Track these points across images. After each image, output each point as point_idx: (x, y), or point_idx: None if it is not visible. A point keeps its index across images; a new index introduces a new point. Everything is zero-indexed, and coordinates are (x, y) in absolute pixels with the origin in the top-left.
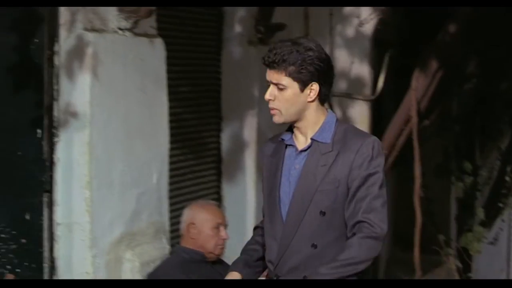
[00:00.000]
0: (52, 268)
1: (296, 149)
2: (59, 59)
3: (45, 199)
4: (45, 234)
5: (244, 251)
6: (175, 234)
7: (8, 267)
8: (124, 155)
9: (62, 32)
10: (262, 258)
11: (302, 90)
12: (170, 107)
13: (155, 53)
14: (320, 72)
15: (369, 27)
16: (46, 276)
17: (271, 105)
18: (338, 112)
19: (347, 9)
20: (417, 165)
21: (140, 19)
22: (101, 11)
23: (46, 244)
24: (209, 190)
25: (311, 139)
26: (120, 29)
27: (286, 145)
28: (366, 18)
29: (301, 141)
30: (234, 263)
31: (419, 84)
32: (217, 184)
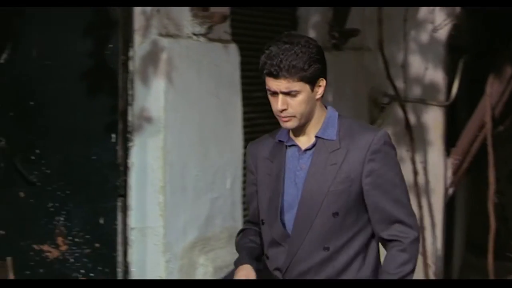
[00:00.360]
0: (126, 272)
1: (299, 148)
2: (134, 65)
3: (119, 204)
4: (119, 239)
5: (243, 248)
6: None
7: (82, 271)
8: (198, 160)
9: (137, 38)
10: (259, 258)
11: (312, 89)
12: (244, 112)
13: (229, 59)
14: (323, 65)
15: (443, 33)
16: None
17: (284, 114)
18: (412, 118)
19: (421, 15)
20: (491, 171)
21: (214, 24)
22: (176, 17)
23: (120, 248)
24: None
25: (316, 136)
26: (195, 34)
27: (286, 146)
28: (440, 24)
29: (303, 140)
30: (240, 258)
31: (494, 90)
32: None
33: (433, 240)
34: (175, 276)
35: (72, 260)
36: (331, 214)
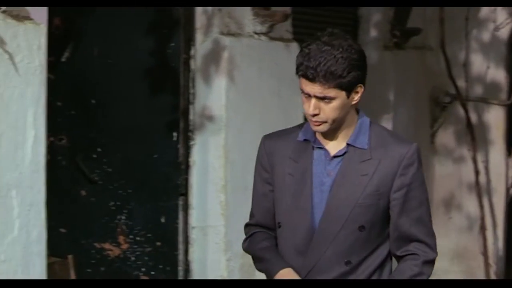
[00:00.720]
0: (187, 271)
1: (327, 153)
2: (195, 63)
3: (180, 203)
4: (180, 238)
5: (268, 251)
6: None
7: (143, 269)
8: None
9: (198, 36)
10: None
11: (348, 96)
12: None
13: (290, 57)
14: (363, 71)
15: (505, 32)
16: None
17: (315, 118)
18: (474, 117)
19: (483, 14)
20: None
21: (276, 23)
22: (237, 16)
23: (181, 247)
24: None
25: (347, 144)
26: (256, 33)
27: (313, 147)
28: (502, 23)
29: (333, 144)
30: (273, 263)
31: None
32: None
33: (495, 240)
34: (236, 275)
35: (133, 258)
36: (357, 227)
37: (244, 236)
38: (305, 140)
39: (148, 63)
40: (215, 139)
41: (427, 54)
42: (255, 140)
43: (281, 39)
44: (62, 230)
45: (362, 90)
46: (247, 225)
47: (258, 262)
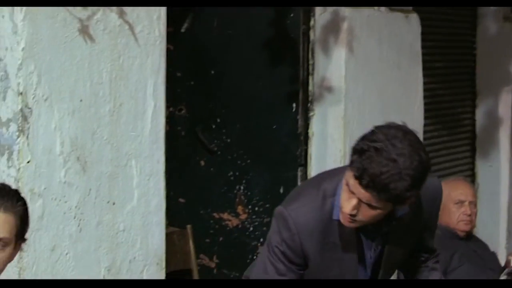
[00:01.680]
0: None
1: (373, 230)
2: (315, 34)
3: (299, 174)
4: None
5: None
6: None
7: (261, 240)
8: None
9: (317, 7)
10: None
11: (394, 206)
12: (425, 83)
13: (410, 29)
14: (419, 189)
15: None
16: None
17: (351, 218)
18: None
19: None
20: None
21: None
22: None
23: None
24: (463, 166)
25: (398, 217)
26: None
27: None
28: None
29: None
30: None
31: None
32: (471, 161)
33: None
34: None
35: (251, 228)
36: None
37: None
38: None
39: (267, 34)
40: (334, 110)
41: None
42: (374, 111)
43: (401, 10)
44: (181, 200)
45: (412, 200)
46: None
47: None
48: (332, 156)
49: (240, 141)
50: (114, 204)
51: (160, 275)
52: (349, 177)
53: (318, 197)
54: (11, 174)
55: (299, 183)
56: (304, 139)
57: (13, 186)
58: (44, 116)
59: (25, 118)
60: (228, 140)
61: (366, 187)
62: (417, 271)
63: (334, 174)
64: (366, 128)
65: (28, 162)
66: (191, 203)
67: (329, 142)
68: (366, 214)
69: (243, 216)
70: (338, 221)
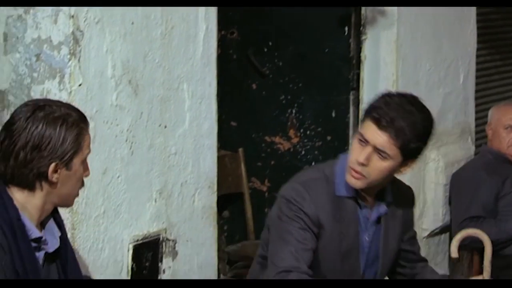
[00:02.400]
0: None
1: (369, 213)
2: None
3: (351, 97)
4: (351, 132)
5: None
6: (480, 135)
7: (313, 163)
8: (431, 55)
9: None
10: None
11: (401, 164)
12: (478, 7)
13: None
14: (425, 148)
15: None
16: None
17: (359, 169)
18: None
19: None
20: None
21: None
22: None
23: (351, 142)
24: None
25: (387, 202)
26: None
27: (360, 206)
28: None
29: (369, 201)
30: None
31: None
32: None
33: None
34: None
35: (303, 152)
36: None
37: None
38: (352, 198)
39: None
40: (387, 34)
41: None
42: (427, 35)
43: None
44: (233, 124)
45: (413, 165)
46: (288, 271)
47: None
48: (385, 80)
49: (292, 65)
50: (165, 127)
51: (212, 198)
52: (365, 127)
53: (321, 176)
54: (63, 97)
55: (351, 107)
56: (356, 63)
57: None
58: (96, 39)
59: (76, 41)
60: (280, 64)
61: (385, 128)
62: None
63: (329, 163)
64: (418, 52)
65: (79, 85)
66: (243, 127)
67: (382, 66)
68: (376, 165)
69: (295, 140)
70: (342, 197)
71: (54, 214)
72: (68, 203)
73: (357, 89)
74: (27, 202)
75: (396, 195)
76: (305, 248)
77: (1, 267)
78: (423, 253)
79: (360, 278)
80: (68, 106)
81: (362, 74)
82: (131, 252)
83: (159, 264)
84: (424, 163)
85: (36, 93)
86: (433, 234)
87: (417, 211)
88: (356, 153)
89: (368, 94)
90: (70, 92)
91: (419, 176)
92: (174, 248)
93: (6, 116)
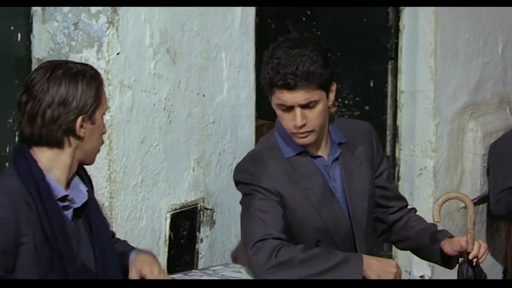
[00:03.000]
0: (395, 135)
1: (323, 160)
2: None
3: (389, 67)
4: (389, 102)
5: (328, 251)
6: None
7: None
8: (470, 24)
9: None
10: None
11: (327, 96)
12: None
13: None
14: (333, 67)
15: None
16: (390, 144)
17: (302, 130)
18: None
19: None
20: None
21: None
22: None
23: (389, 111)
24: None
25: (340, 143)
26: None
27: (313, 157)
28: None
29: (321, 148)
30: (348, 255)
31: None
32: None
33: None
34: (445, 140)
35: None
36: (372, 218)
37: None
38: (304, 152)
39: None
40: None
41: None
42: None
43: None
44: None
45: (335, 88)
46: (262, 240)
47: (306, 262)
48: (423, 50)
49: (330, 34)
50: (203, 96)
51: None
52: (276, 97)
53: (265, 147)
54: (101, 66)
55: (389, 76)
56: (394, 32)
57: (103, 78)
58: (134, 7)
59: (114, 10)
60: (318, 33)
61: (294, 86)
62: (404, 225)
63: (269, 133)
64: (457, 21)
65: (117, 54)
66: None
67: (420, 35)
68: (313, 117)
69: (333, 109)
70: (292, 156)
71: (79, 171)
72: (90, 160)
73: (395, 58)
74: (56, 161)
75: (351, 135)
76: (271, 215)
77: (29, 224)
78: (460, 223)
79: (347, 223)
80: (82, 63)
81: (400, 44)
82: (168, 221)
83: (197, 233)
84: (462, 133)
85: None
86: None
87: (455, 181)
88: (289, 120)
89: (406, 64)
90: (108, 61)
91: (457, 146)
92: (212, 217)
93: None
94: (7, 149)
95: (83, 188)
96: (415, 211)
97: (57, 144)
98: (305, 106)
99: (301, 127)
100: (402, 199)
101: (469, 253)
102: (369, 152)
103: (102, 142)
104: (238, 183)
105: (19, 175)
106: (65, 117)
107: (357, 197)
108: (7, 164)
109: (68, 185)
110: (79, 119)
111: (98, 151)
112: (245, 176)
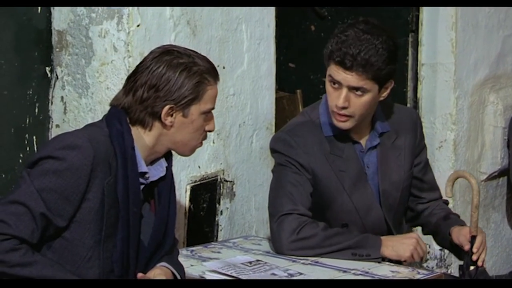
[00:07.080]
0: (416, 108)
1: (361, 146)
2: None
3: (410, 39)
4: (409, 74)
5: (352, 234)
6: None
7: None
8: None
9: None
10: None
11: (379, 90)
12: None
13: None
14: (396, 66)
15: None
16: None
17: (343, 112)
18: None
19: None
20: None
21: None
22: None
23: (410, 84)
24: None
25: (381, 132)
26: None
27: (353, 142)
28: None
29: (362, 134)
30: (374, 237)
31: None
32: None
33: None
34: (465, 112)
35: None
36: (403, 209)
37: None
38: (344, 133)
39: None
40: None
41: None
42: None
43: None
44: (291, 65)
45: (392, 86)
46: (288, 214)
47: (326, 240)
48: (444, 22)
49: (351, 7)
50: (224, 68)
51: (270, 139)
52: (330, 70)
53: (307, 120)
54: (121, 38)
55: (410, 49)
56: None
57: (123, 50)
58: None
59: None
60: (339, 6)
61: (350, 67)
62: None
63: (314, 105)
64: None
65: (138, 25)
66: (301, 68)
67: (441, 8)
68: (357, 103)
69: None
70: (331, 136)
71: (167, 159)
72: (183, 151)
73: (416, 31)
74: (139, 138)
75: (396, 123)
76: (301, 190)
77: (103, 185)
78: (481, 196)
79: (380, 211)
80: (201, 57)
81: (421, 16)
82: (188, 193)
83: (217, 205)
84: (482, 106)
85: (94, 34)
86: (491, 177)
87: (475, 154)
88: (334, 97)
89: (427, 36)
90: (128, 32)
91: (477, 119)
92: (232, 189)
93: (65, 56)
94: (27, 120)
95: (164, 163)
96: (445, 202)
97: (141, 123)
98: (353, 89)
99: (342, 108)
100: (435, 190)
101: (468, 252)
102: (411, 142)
103: (204, 138)
104: (274, 151)
105: (110, 136)
106: (153, 101)
107: (391, 188)
108: (27, 135)
109: (151, 164)
110: (167, 107)
111: (196, 145)
112: (283, 147)
